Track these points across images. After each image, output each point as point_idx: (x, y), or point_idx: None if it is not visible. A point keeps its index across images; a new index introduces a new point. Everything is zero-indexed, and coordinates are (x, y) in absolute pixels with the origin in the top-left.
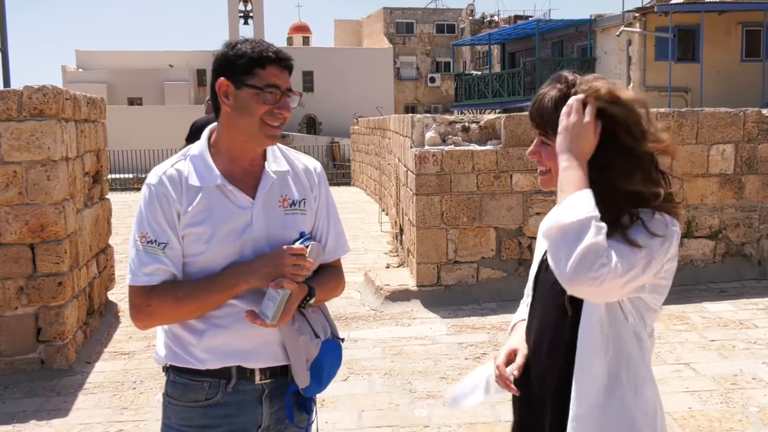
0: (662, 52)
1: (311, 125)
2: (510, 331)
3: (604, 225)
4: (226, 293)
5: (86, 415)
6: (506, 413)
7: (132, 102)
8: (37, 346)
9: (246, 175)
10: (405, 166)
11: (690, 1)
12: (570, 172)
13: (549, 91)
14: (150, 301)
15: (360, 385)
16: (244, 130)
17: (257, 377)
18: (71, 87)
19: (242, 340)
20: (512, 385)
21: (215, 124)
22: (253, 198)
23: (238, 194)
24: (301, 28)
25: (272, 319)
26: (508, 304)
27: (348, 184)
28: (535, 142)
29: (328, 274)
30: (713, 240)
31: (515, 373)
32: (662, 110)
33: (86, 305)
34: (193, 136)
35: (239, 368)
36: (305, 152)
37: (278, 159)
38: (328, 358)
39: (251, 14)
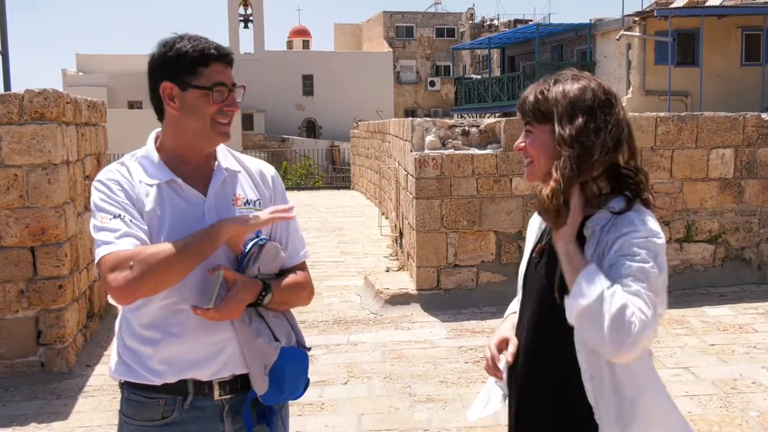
0: (662, 56)
1: (311, 129)
2: (503, 322)
3: (615, 287)
4: (202, 246)
5: (86, 418)
6: (506, 417)
7: (132, 105)
8: (37, 349)
9: (196, 173)
10: (405, 169)
11: (690, 5)
12: (566, 257)
13: (535, 86)
14: (131, 262)
15: (360, 388)
16: (194, 131)
17: (216, 392)
18: (72, 90)
19: (199, 348)
20: (498, 372)
21: (160, 128)
22: (204, 194)
23: (189, 190)
24: (301, 32)
25: (209, 303)
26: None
27: (348, 187)
28: (522, 135)
29: (290, 278)
30: (713, 244)
31: (509, 359)
32: (662, 114)
33: (86, 308)
34: None
35: (196, 383)
36: (305, 156)
37: (228, 159)
38: (289, 366)
39: (251, 18)
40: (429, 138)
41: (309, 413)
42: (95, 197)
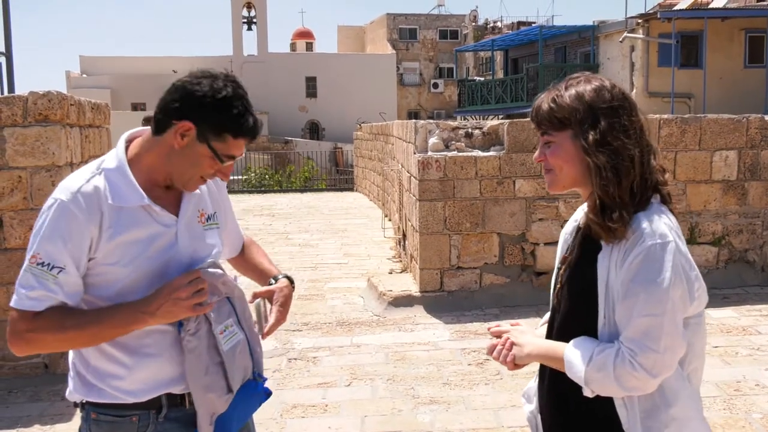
0: (665, 59)
1: (314, 131)
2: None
3: (603, 348)
4: (119, 330)
5: None
6: (509, 419)
7: (136, 107)
8: None
9: (166, 192)
10: (408, 171)
11: (693, 7)
12: (543, 358)
13: (547, 94)
14: (31, 327)
15: (363, 390)
16: (177, 170)
17: (188, 402)
18: (75, 92)
19: (174, 366)
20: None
21: (136, 130)
22: (176, 215)
23: (162, 213)
24: (305, 34)
25: (261, 331)
26: (511, 310)
27: (351, 189)
28: (539, 146)
29: (258, 252)
30: (716, 246)
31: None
32: (665, 116)
33: None
34: None
35: (169, 395)
36: (308, 158)
37: None
38: (239, 408)
39: (255, 20)
40: (432, 140)
41: (312, 415)
42: (45, 217)
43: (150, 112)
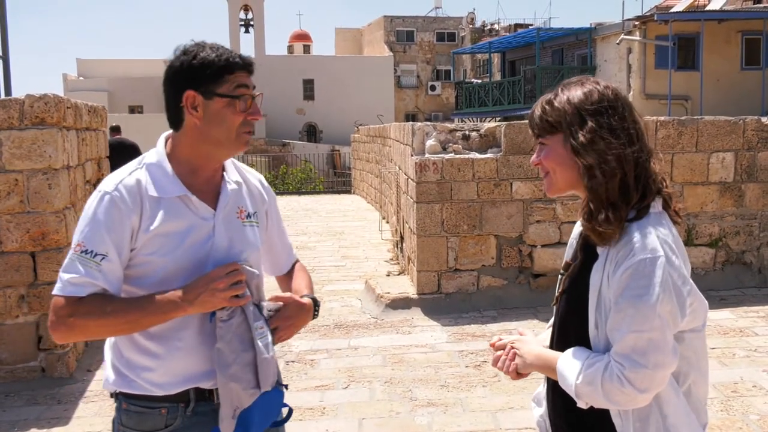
0: (662, 61)
1: (312, 133)
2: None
3: (594, 359)
4: (158, 317)
5: (87, 423)
6: (507, 421)
7: (133, 110)
8: (37, 355)
9: (206, 185)
10: (405, 174)
11: (690, 9)
12: (539, 368)
13: (543, 98)
14: (73, 312)
15: (360, 393)
16: (218, 139)
17: (216, 397)
18: (72, 95)
19: (203, 361)
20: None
21: (170, 131)
22: (214, 209)
23: (200, 205)
24: (302, 37)
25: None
26: (509, 312)
27: (348, 192)
28: (536, 150)
29: (302, 277)
30: (713, 248)
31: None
32: (662, 118)
33: None
34: (112, 157)
35: (197, 389)
36: (306, 160)
37: (233, 170)
38: (261, 409)
39: (252, 23)
40: (429, 142)
41: (310, 418)
42: (90, 208)
43: (115, 122)
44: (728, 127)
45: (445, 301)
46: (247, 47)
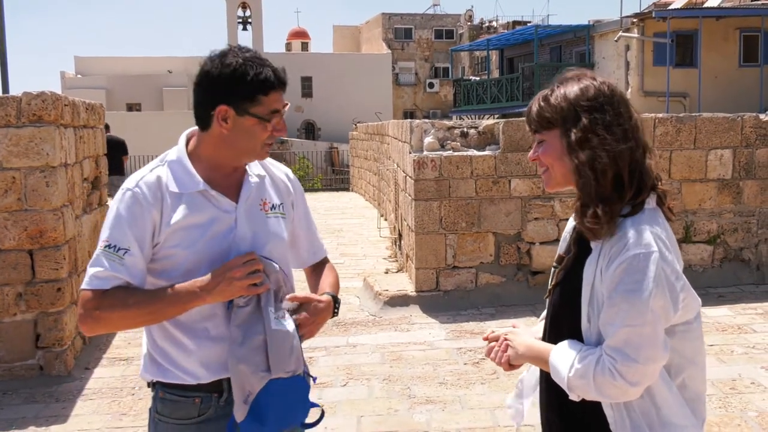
0: (660, 58)
1: (310, 131)
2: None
3: (586, 354)
4: (178, 307)
5: (85, 421)
6: (505, 418)
7: (131, 108)
8: (35, 353)
9: (227, 180)
10: (404, 171)
11: (688, 6)
12: (532, 359)
13: (540, 94)
14: (98, 305)
15: (359, 390)
16: (242, 150)
17: None
18: (70, 93)
19: None
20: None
21: (193, 128)
22: (236, 202)
23: (221, 199)
24: (300, 34)
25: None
26: (507, 309)
27: (347, 189)
28: (534, 146)
29: (328, 274)
30: (711, 245)
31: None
32: (660, 115)
33: None
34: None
35: (230, 380)
36: (304, 158)
37: (257, 164)
38: (278, 399)
39: (250, 20)
40: (428, 139)
41: None
42: (114, 205)
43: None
44: (726, 124)
45: (444, 298)
46: (245, 45)
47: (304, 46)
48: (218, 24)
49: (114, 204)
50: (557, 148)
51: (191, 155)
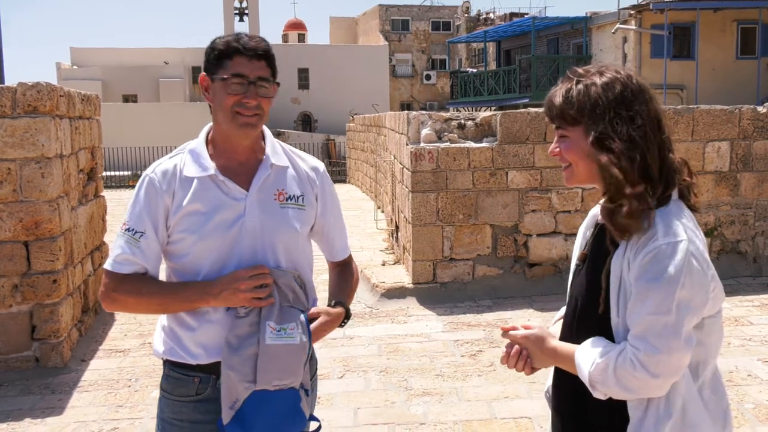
0: (658, 50)
1: (307, 123)
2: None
3: (608, 349)
4: (185, 305)
5: (81, 413)
6: (502, 410)
7: (127, 99)
8: (31, 344)
9: (242, 168)
10: (401, 163)
11: None
12: (556, 360)
13: (560, 86)
14: (116, 288)
15: (356, 382)
16: (222, 121)
17: None
18: (66, 84)
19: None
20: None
21: None
22: (247, 189)
23: (231, 185)
24: (297, 25)
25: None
26: (504, 301)
27: (344, 181)
28: (555, 140)
29: (347, 280)
30: (708, 237)
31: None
32: None
33: (81, 303)
34: None
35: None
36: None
37: (278, 155)
38: (264, 412)
39: (246, 11)
40: (425, 131)
41: None
42: (138, 191)
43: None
44: (724, 116)
45: (441, 290)
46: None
47: (301, 38)
48: (215, 15)
49: (135, 189)
50: (582, 146)
51: (209, 143)
